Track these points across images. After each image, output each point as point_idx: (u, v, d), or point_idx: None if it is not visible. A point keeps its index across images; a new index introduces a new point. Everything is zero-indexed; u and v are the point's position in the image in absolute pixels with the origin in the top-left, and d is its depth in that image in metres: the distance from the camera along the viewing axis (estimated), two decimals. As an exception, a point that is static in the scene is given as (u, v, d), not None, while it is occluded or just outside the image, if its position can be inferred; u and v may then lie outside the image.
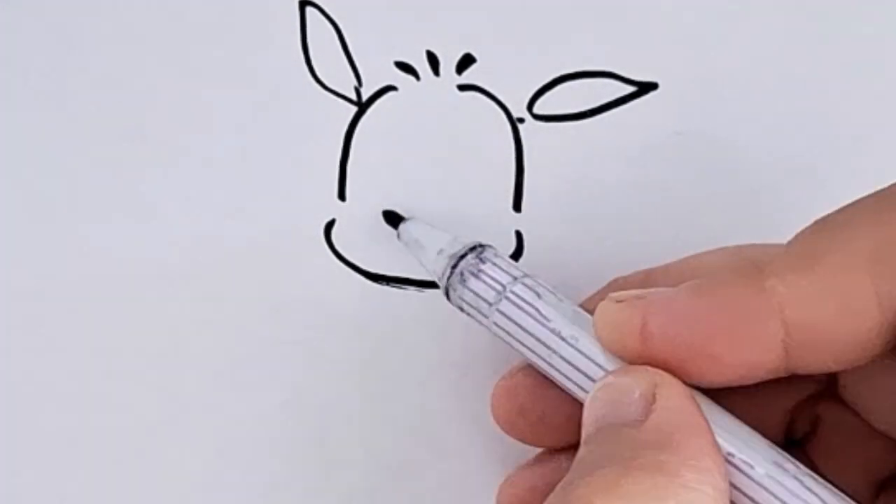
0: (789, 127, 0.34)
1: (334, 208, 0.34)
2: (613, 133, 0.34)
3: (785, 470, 0.25)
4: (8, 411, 0.34)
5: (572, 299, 0.30)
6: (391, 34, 0.34)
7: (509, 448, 0.33)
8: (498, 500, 0.32)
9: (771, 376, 0.26)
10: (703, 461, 0.24)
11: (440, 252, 0.31)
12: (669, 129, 0.34)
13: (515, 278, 0.30)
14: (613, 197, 0.34)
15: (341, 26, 0.34)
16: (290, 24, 0.34)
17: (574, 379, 0.28)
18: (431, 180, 0.34)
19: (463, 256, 0.31)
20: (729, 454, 0.25)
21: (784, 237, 0.26)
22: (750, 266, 0.26)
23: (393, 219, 0.33)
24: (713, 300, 0.26)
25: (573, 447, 0.26)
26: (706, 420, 0.25)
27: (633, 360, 0.27)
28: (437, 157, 0.34)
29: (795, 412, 0.30)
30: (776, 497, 0.25)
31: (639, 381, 0.26)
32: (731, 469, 0.25)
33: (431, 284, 0.34)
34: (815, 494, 0.25)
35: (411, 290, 0.34)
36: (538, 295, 0.29)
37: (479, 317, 0.30)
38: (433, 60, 0.34)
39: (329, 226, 0.34)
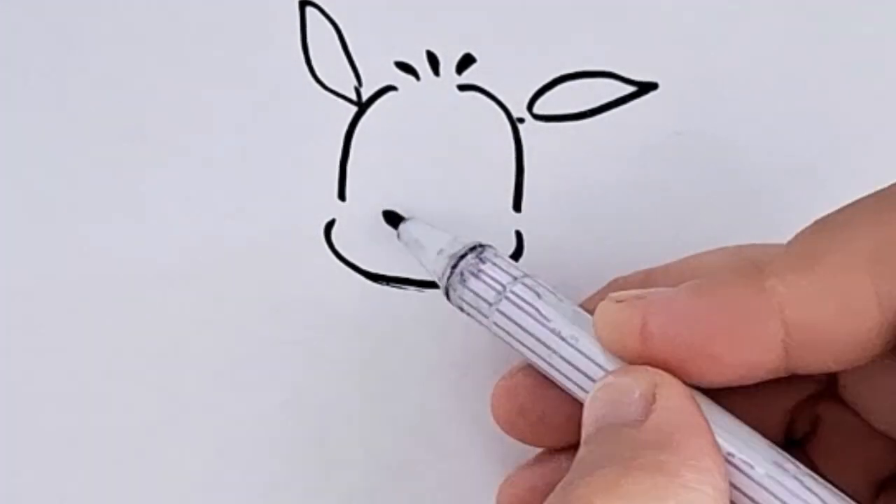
0: (789, 127, 0.34)
1: (334, 208, 0.34)
2: (613, 133, 0.34)
3: (785, 470, 0.25)
4: (8, 411, 0.34)
5: (572, 299, 0.30)
6: (391, 34, 0.34)
7: (509, 448, 0.33)
8: (498, 499, 0.32)
9: (771, 376, 0.26)
10: (702, 461, 0.24)
11: (440, 252, 0.31)
12: (669, 129, 0.34)
13: (515, 278, 0.30)
14: (613, 197, 0.34)
15: (341, 26, 0.34)
16: (290, 24, 0.34)
17: (574, 379, 0.28)
18: (431, 180, 0.34)
19: (463, 256, 0.31)
20: (729, 454, 0.25)
21: (784, 237, 0.26)
22: (750, 266, 0.26)
23: (393, 219, 0.33)
24: (713, 300, 0.26)
25: (573, 447, 0.26)
26: (706, 420, 0.25)
27: (633, 360, 0.27)
28: (437, 157, 0.34)
29: (796, 412, 0.30)
30: (776, 497, 0.25)
31: (639, 382, 0.26)
32: (731, 469, 0.25)
33: (431, 284, 0.34)
34: (815, 494, 0.25)
35: (411, 290, 0.34)
36: (538, 295, 0.29)
37: (479, 317, 0.30)
38: (433, 60, 0.34)
39: (329, 226, 0.34)
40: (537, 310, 0.29)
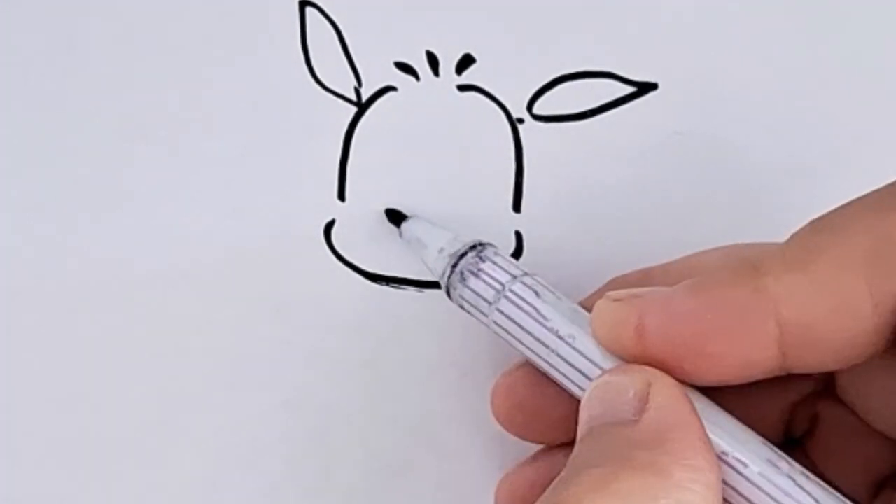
0: (789, 127, 0.34)
1: (334, 208, 0.34)
2: (613, 133, 0.34)
3: (778, 468, 0.25)
4: (8, 411, 0.35)
5: (571, 300, 0.30)
6: (391, 34, 0.34)
7: (509, 448, 0.33)
8: (496, 495, 0.32)
9: (768, 375, 0.26)
10: (695, 460, 0.24)
11: (441, 251, 0.31)
12: (669, 129, 0.34)
13: (515, 277, 0.30)
14: (613, 197, 0.34)
15: (341, 26, 0.34)
16: (290, 24, 0.34)
17: (572, 377, 0.28)
18: (431, 180, 0.34)
19: (463, 255, 0.31)
20: (723, 453, 0.25)
21: (784, 237, 0.26)
22: (746, 265, 0.26)
23: (395, 217, 0.34)
24: (709, 299, 0.26)
25: (572, 444, 0.26)
26: (700, 419, 0.25)
27: (630, 358, 0.27)
28: (436, 158, 0.34)
29: (794, 411, 0.30)
30: (770, 496, 0.25)
31: (634, 380, 0.26)
32: (725, 468, 0.25)
33: (431, 284, 0.34)
34: (808, 493, 0.25)
35: (411, 290, 0.34)
36: (537, 294, 0.29)
37: (480, 315, 0.30)
38: (433, 60, 0.34)
39: (329, 226, 0.34)
40: (536, 309, 0.29)
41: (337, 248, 0.34)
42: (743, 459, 0.25)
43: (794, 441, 0.30)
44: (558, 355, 0.28)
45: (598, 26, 0.34)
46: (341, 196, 0.34)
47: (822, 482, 0.25)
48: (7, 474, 0.35)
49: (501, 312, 0.29)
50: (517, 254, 0.34)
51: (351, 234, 0.34)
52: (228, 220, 0.34)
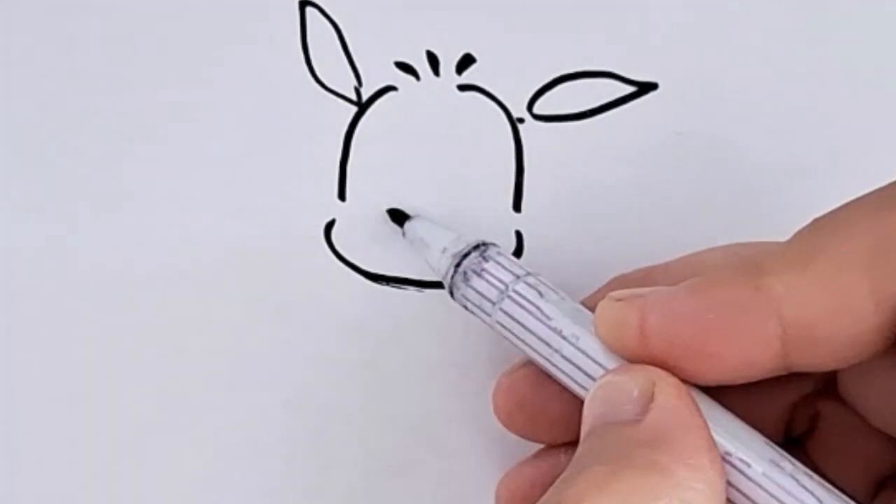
0: (789, 127, 0.34)
1: (334, 208, 0.34)
2: (613, 133, 0.34)
3: (782, 468, 0.25)
4: (8, 411, 0.34)
5: (572, 300, 0.30)
6: (391, 34, 0.34)
7: (509, 448, 0.33)
8: (497, 493, 0.32)
9: (769, 374, 0.26)
10: (698, 460, 0.24)
11: (444, 251, 0.31)
12: (669, 129, 0.34)
13: (518, 277, 0.30)
14: (613, 197, 0.34)
15: (341, 26, 0.34)
16: (290, 24, 0.34)
17: (575, 377, 0.28)
18: (431, 180, 0.34)
19: (466, 255, 0.31)
20: (726, 453, 0.25)
21: (784, 237, 0.26)
22: (748, 264, 0.26)
23: (398, 217, 0.34)
24: (711, 298, 0.26)
25: (573, 443, 0.26)
26: (703, 418, 0.25)
27: (633, 358, 0.27)
28: (436, 158, 0.34)
29: (795, 410, 0.30)
30: (773, 496, 0.25)
31: (637, 380, 0.26)
32: (728, 467, 0.25)
33: (431, 284, 0.34)
34: (811, 493, 0.25)
35: (411, 290, 0.34)
36: (540, 294, 0.29)
37: (483, 315, 0.30)
38: (433, 60, 0.34)
39: (329, 226, 0.34)
40: (539, 308, 0.29)
41: (337, 247, 0.34)
42: (746, 459, 0.25)
43: (794, 440, 0.30)
44: (562, 355, 0.28)
45: (597, 26, 0.34)
46: (341, 196, 0.34)
47: (825, 482, 0.25)
48: (7, 474, 0.35)
49: (505, 312, 0.29)
50: (517, 253, 0.34)
51: (351, 234, 0.34)
52: (228, 220, 0.34)
